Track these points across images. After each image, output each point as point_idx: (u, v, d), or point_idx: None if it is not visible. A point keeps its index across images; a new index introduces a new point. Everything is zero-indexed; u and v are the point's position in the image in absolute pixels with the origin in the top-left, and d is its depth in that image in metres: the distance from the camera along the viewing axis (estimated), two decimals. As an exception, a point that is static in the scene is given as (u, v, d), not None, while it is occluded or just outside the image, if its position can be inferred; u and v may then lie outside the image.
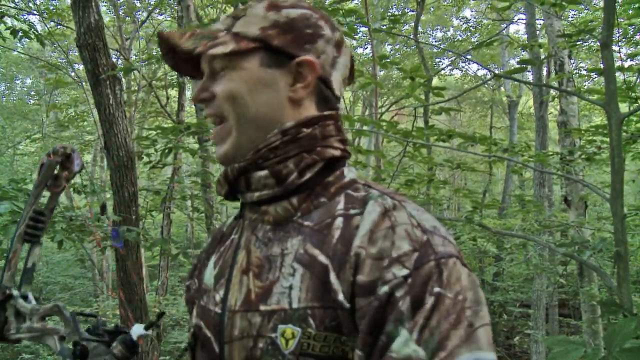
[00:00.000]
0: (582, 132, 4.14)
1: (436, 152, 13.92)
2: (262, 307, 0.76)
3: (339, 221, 0.77)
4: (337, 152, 0.84)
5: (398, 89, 13.62)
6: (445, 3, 13.03)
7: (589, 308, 5.07)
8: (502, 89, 15.01)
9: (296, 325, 0.73)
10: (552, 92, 7.16)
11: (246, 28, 0.83)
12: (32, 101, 16.22)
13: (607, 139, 3.30)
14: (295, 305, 0.74)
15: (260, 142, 0.82)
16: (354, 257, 0.72)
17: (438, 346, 0.65)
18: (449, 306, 0.67)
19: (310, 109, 0.85)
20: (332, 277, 0.73)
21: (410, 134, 3.42)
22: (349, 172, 0.85)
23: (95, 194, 4.65)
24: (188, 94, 9.92)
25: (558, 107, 5.50)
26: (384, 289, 0.68)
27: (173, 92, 10.53)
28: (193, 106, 9.36)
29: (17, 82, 17.33)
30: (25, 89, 17.24)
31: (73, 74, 10.86)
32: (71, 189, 4.04)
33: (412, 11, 12.21)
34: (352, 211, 0.78)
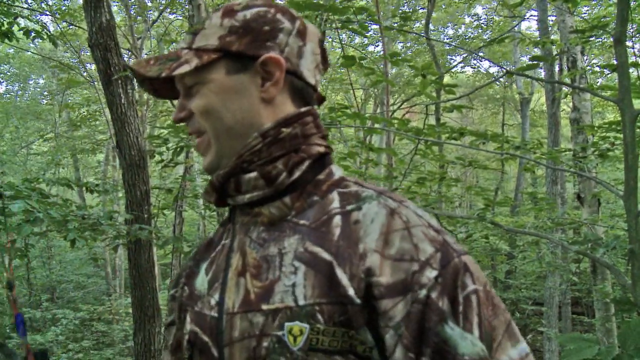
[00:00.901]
0: (595, 128, 4.10)
1: (448, 149, 13.88)
2: (264, 307, 0.76)
3: (337, 219, 0.78)
4: (321, 149, 0.85)
5: (409, 87, 13.58)
6: (457, 0, 12.96)
7: (602, 306, 5.03)
8: (514, 86, 14.93)
9: (304, 321, 0.73)
10: (565, 89, 7.10)
11: (206, 41, 0.83)
12: (44, 101, 16.34)
13: (621, 136, 3.27)
14: (301, 302, 0.74)
15: (240, 146, 0.83)
16: (367, 258, 0.73)
17: (491, 338, 0.71)
18: (484, 299, 0.73)
19: (285, 105, 0.85)
20: (339, 272, 0.73)
21: (422, 132, 3.40)
22: (337, 170, 0.87)
23: (107, 192, 4.67)
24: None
25: (571, 104, 5.46)
26: (423, 292, 0.70)
27: (184, 91, 10.54)
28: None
29: (30, 82, 17.47)
30: (38, 89, 17.38)
31: (85, 73, 10.95)
32: (83, 188, 4.07)
33: (423, 9, 12.17)
34: (348, 207, 0.79)
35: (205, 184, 6.86)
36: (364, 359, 0.73)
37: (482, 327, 0.71)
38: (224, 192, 0.86)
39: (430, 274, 0.71)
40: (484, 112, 19.15)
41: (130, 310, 6.82)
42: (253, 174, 0.82)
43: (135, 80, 0.91)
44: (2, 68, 16.17)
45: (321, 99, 0.94)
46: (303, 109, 0.85)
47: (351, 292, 0.72)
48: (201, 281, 0.88)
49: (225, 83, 0.83)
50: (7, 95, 16.68)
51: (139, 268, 4.44)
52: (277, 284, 0.76)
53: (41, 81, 17.36)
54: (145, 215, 4.43)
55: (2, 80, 16.88)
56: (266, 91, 0.83)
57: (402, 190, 4.56)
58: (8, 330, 10.09)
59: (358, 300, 0.72)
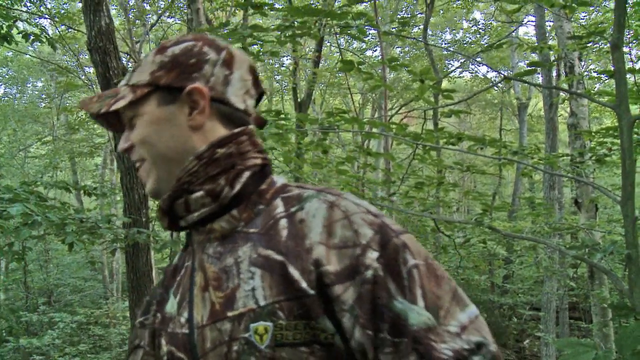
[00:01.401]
0: (593, 134, 4.11)
1: (446, 154, 13.88)
2: (230, 314, 0.81)
3: (283, 222, 0.84)
4: (258, 161, 0.91)
5: (407, 92, 13.61)
6: (455, 5, 12.99)
7: (599, 311, 5.04)
8: (512, 91, 14.96)
9: (267, 320, 0.78)
10: (562, 94, 7.12)
11: (139, 77, 0.91)
12: (43, 104, 16.32)
13: (618, 141, 3.28)
14: (262, 303, 0.79)
15: (178, 171, 0.89)
16: (313, 251, 0.79)
17: (438, 307, 0.77)
18: (426, 272, 0.79)
19: (216, 130, 0.91)
20: (291, 269, 0.79)
21: (420, 137, 3.41)
22: (279, 179, 0.93)
23: (105, 196, 4.67)
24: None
25: (568, 109, 5.48)
26: (369, 272, 0.76)
27: (183, 95, 10.56)
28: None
29: (29, 85, 17.45)
30: (37, 92, 17.36)
31: (84, 77, 10.95)
32: (81, 191, 4.06)
33: (422, 14, 12.20)
34: (292, 209, 0.85)
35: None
36: (328, 346, 0.78)
37: (426, 297, 0.77)
38: (175, 214, 0.91)
39: (373, 254, 0.77)
40: (481, 117, 19.19)
41: (128, 314, 6.80)
42: (199, 193, 0.87)
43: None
44: (0, 71, 16.16)
45: (261, 122, 1.00)
46: (236, 130, 0.91)
47: (304, 285, 0.78)
48: (171, 305, 0.92)
49: (156, 114, 0.90)
50: (6, 98, 16.67)
51: (136, 271, 4.43)
52: (238, 290, 0.82)
53: (39, 84, 17.34)
54: (143, 219, 4.43)
55: (0, 84, 16.86)
56: (193, 119, 0.89)
57: (400, 195, 4.56)
58: (4, 334, 10.06)
59: (312, 292, 0.77)
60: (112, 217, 3.88)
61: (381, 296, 0.76)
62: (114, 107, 0.89)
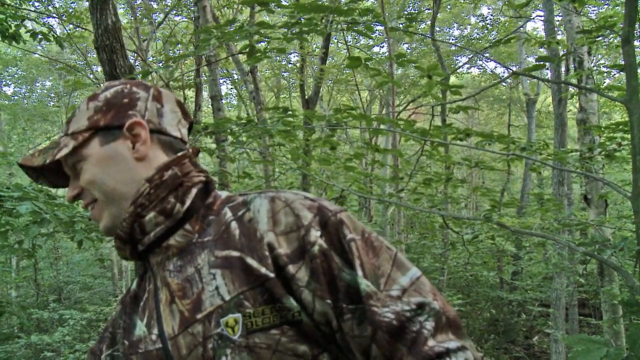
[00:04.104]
0: (602, 129, 4.08)
1: (454, 150, 13.84)
2: (199, 316, 0.85)
3: (234, 224, 0.90)
4: (202, 178, 0.97)
5: (415, 88, 13.57)
6: (462, 1, 12.93)
7: (610, 308, 5.01)
8: (520, 87, 14.88)
9: (234, 312, 0.83)
10: (572, 89, 7.07)
11: (77, 125, 0.96)
12: (51, 103, 16.42)
13: (628, 136, 3.25)
14: (227, 297, 0.84)
15: (129, 203, 0.93)
16: (265, 238, 0.85)
17: (377, 275, 0.83)
18: (363, 244, 0.85)
19: (159, 158, 0.96)
20: (249, 260, 0.85)
21: (428, 133, 3.40)
22: (222, 193, 0.99)
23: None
24: (205, 94, 9.98)
25: (577, 104, 5.44)
26: (315, 248, 0.83)
27: (190, 93, 10.61)
28: (210, 106, 9.41)
29: (37, 84, 17.56)
30: (45, 91, 17.47)
31: (92, 75, 10.99)
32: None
33: (429, 9, 12.15)
34: (239, 212, 0.91)
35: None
36: (296, 324, 0.83)
37: (364, 267, 0.82)
38: (133, 240, 0.95)
39: (316, 233, 0.84)
40: (489, 113, 19.12)
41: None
42: (152, 214, 0.92)
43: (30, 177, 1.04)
44: (10, 70, 16.26)
45: (196, 151, 1.05)
46: (179, 154, 0.97)
47: (263, 270, 0.83)
48: (139, 328, 0.95)
49: (101, 154, 0.94)
50: (15, 98, 16.77)
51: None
52: (203, 293, 0.86)
53: (48, 83, 17.44)
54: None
55: (10, 83, 16.97)
56: (137, 151, 0.94)
57: (408, 191, 4.55)
58: (16, 330, 10.14)
59: (272, 275, 0.83)
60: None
61: (332, 267, 0.82)
62: (58, 155, 0.93)
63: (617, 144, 3.83)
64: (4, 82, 16.64)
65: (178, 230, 0.93)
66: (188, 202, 0.93)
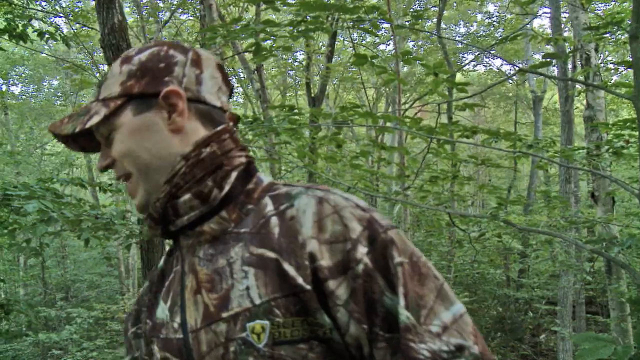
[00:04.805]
0: (610, 126, 4.06)
1: (460, 148, 13.81)
2: (225, 314, 0.80)
3: (274, 220, 0.83)
4: (243, 159, 0.90)
5: (421, 86, 13.54)
6: (468, -2, 12.89)
7: (617, 306, 4.99)
8: (527, 84, 14.83)
9: (263, 319, 0.78)
10: (578, 86, 7.03)
11: (109, 90, 0.89)
12: (58, 102, 16.48)
13: (636, 133, 3.24)
14: (257, 301, 0.78)
15: (165, 179, 0.87)
16: (307, 246, 0.78)
17: (419, 306, 0.77)
18: (410, 270, 0.78)
19: (197, 130, 0.89)
20: (286, 266, 0.78)
21: (434, 131, 3.39)
22: (265, 177, 0.92)
23: (120, 192, 4.70)
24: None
25: (584, 101, 5.42)
26: (360, 267, 0.77)
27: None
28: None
29: (45, 83, 17.62)
30: (52, 90, 17.52)
31: (98, 74, 11.01)
32: (97, 188, 4.09)
33: (435, 7, 12.11)
34: (281, 207, 0.84)
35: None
36: (326, 341, 0.78)
37: (407, 297, 0.76)
38: (164, 221, 0.89)
39: (363, 249, 0.77)
40: (496, 111, 19.05)
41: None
42: (187, 196, 0.86)
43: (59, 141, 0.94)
44: (17, 70, 16.32)
45: (235, 119, 0.98)
46: (219, 128, 0.90)
47: (300, 280, 0.77)
48: (161, 310, 0.91)
49: (134, 124, 0.88)
50: (22, 97, 16.85)
51: (151, 267, 4.46)
52: (232, 291, 0.81)
53: (55, 82, 17.50)
54: (158, 215, 4.45)
55: (17, 82, 17.05)
56: (173, 122, 0.87)
57: (414, 189, 4.54)
58: (24, 329, 10.20)
59: (308, 287, 0.77)
60: (127, 213, 3.90)
61: (374, 290, 0.77)
62: (89, 124, 0.87)
63: (624, 141, 3.81)
64: (11, 82, 16.71)
65: (213, 217, 0.86)
66: (227, 188, 0.87)
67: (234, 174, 0.88)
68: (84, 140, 0.95)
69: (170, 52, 0.90)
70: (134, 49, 0.92)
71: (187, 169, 0.86)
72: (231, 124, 0.94)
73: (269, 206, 0.85)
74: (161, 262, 1.00)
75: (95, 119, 0.86)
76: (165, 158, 0.87)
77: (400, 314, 0.75)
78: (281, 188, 0.88)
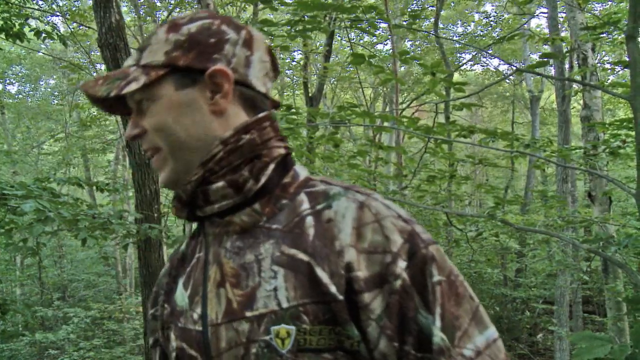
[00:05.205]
0: (606, 126, 4.07)
1: (457, 148, 13.82)
2: (249, 314, 0.77)
3: (309, 220, 0.79)
4: (282, 150, 0.85)
5: (419, 85, 13.55)
6: (466, -2, 12.90)
7: (614, 305, 5.00)
8: (524, 83, 14.85)
9: (289, 323, 0.74)
10: (575, 86, 7.05)
11: (152, 57, 0.83)
12: (55, 101, 16.44)
13: (633, 133, 3.24)
14: (285, 305, 0.75)
15: (197, 161, 0.83)
16: (345, 254, 0.74)
17: (454, 327, 0.73)
18: (447, 289, 0.75)
19: (238, 115, 0.84)
20: (319, 271, 0.75)
21: (432, 130, 3.39)
22: (302, 171, 0.87)
23: (117, 192, 4.70)
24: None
25: (581, 101, 5.43)
26: (398, 282, 0.73)
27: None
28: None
29: (41, 82, 17.59)
30: (49, 90, 17.49)
31: (95, 74, 10.99)
32: (94, 187, 4.09)
33: (432, 7, 12.12)
34: (318, 207, 0.80)
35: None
36: (353, 354, 0.75)
37: (444, 318, 0.73)
38: (192, 204, 0.85)
39: (402, 264, 0.73)
40: (493, 110, 19.08)
41: (141, 309, 6.84)
42: (220, 183, 0.81)
43: (88, 99, 0.87)
44: (13, 69, 16.29)
45: (276, 105, 0.93)
46: (261, 115, 0.85)
47: (333, 289, 0.74)
48: (181, 297, 0.88)
49: (175, 99, 0.82)
50: (19, 96, 16.81)
51: (149, 267, 4.45)
52: (258, 290, 0.77)
53: (52, 82, 17.47)
54: (155, 214, 4.45)
55: (14, 81, 17.01)
56: (216, 103, 0.82)
57: (411, 188, 4.54)
58: (20, 328, 10.17)
59: (341, 297, 0.74)
60: (124, 213, 3.89)
61: (409, 308, 0.73)
62: (125, 90, 0.81)
63: (621, 141, 3.82)
64: (8, 81, 16.67)
65: (245, 209, 0.82)
66: (263, 180, 0.82)
67: (271, 166, 0.83)
68: (115, 102, 0.90)
69: (222, 27, 0.84)
70: (183, 17, 0.85)
71: (224, 155, 0.81)
72: (273, 112, 0.89)
73: (304, 204, 0.81)
74: (182, 245, 0.96)
75: (133, 86, 0.81)
76: (201, 139, 0.82)
77: (435, 335, 0.73)
78: (318, 185, 0.84)
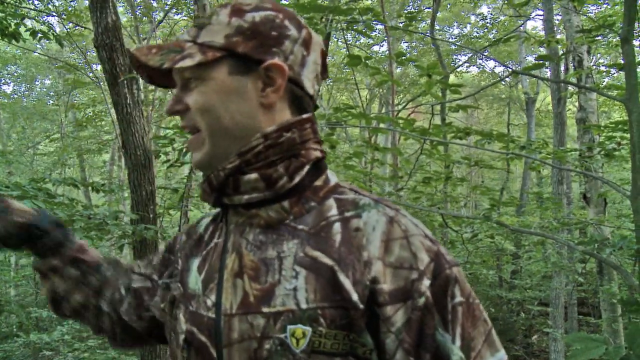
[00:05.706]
0: (602, 128, 4.08)
1: (453, 149, 13.84)
2: (265, 309, 0.77)
3: (337, 226, 0.80)
4: (318, 153, 0.85)
5: (415, 87, 13.57)
6: (462, 0, 12.93)
7: (609, 307, 5.02)
8: (520, 85, 14.88)
9: (306, 324, 0.75)
10: (571, 88, 7.07)
11: (211, 37, 0.82)
12: (51, 102, 16.40)
13: (627, 135, 3.26)
14: (303, 305, 0.76)
15: (235, 149, 0.83)
16: (372, 265, 0.76)
17: (470, 348, 0.76)
18: (466, 311, 0.77)
19: (283, 112, 0.84)
20: (342, 277, 0.76)
21: (427, 132, 3.40)
22: (332, 176, 0.88)
23: (113, 192, 4.69)
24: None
25: (577, 103, 5.45)
26: (422, 300, 0.75)
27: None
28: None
29: (37, 83, 17.56)
30: (45, 90, 17.45)
31: (91, 74, 10.98)
32: (89, 188, 4.08)
33: (429, 8, 12.14)
34: (347, 214, 0.81)
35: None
36: None
37: (463, 338, 0.75)
38: (220, 191, 0.85)
39: (427, 282, 0.75)
40: (489, 112, 19.10)
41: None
42: (253, 175, 0.81)
43: (131, 64, 0.87)
44: (9, 69, 16.25)
45: (315, 108, 0.94)
46: (305, 116, 0.85)
47: (355, 297, 0.75)
48: (194, 280, 0.88)
49: (226, 83, 0.82)
50: (14, 96, 16.77)
51: (144, 268, 4.44)
52: (277, 287, 0.78)
53: (47, 82, 17.43)
54: (151, 215, 4.44)
55: (9, 81, 16.97)
56: (266, 96, 0.82)
57: (407, 190, 4.55)
58: (15, 329, 10.14)
59: (361, 306, 0.75)
60: (120, 214, 3.89)
61: (429, 325, 0.75)
62: (179, 65, 0.80)
63: (616, 143, 3.84)
64: (3, 81, 16.64)
65: (274, 204, 0.82)
66: (297, 180, 0.82)
67: (307, 167, 0.83)
68: (156, 71, 0.88)
69: (285, 22, 0.83)
70: (248, 4, 0.84)
71: (263, 149, 0.81)
72: (314, 114, 0.90)
73: (333, 209, 0.82)
74: (202, 227, 0.96)
75: (188, 62, 0.80)
76: (244, 129, 0.82)
77: (455, 354, 0.74)
78: (347, 192, 0.85)
